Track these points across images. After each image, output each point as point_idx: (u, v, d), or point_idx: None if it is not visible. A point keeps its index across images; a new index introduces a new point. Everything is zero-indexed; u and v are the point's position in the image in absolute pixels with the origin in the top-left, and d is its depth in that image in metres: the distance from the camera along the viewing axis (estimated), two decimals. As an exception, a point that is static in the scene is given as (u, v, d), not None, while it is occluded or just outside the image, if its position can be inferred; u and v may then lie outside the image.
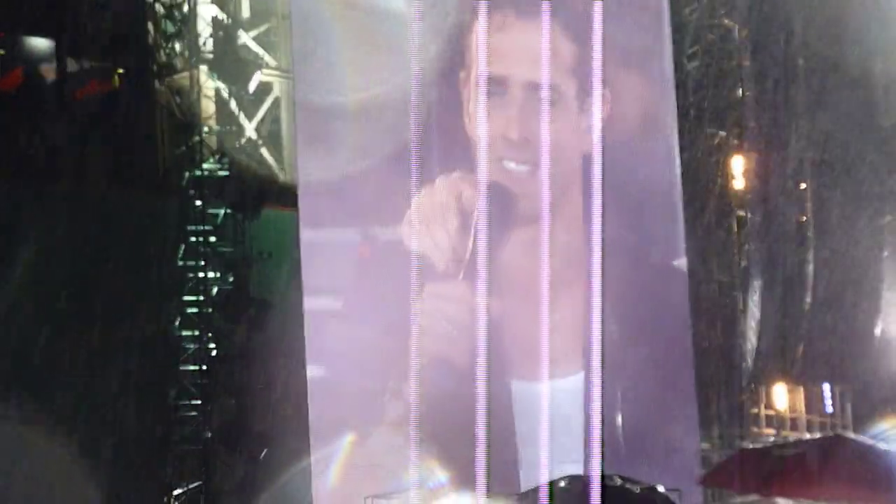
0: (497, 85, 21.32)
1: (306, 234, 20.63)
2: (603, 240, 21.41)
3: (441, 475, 20.12)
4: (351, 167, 20.99)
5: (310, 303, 20.73)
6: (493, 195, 20.66)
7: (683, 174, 22.94)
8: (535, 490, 17.14)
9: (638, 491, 16.42)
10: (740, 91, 24.44)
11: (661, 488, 16.95)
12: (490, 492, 19.78)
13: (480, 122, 20.85)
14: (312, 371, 20.68)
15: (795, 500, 21.70)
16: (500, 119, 21.26)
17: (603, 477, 16.94)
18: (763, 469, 18.04)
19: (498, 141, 21.11)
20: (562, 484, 16.61)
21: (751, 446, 22.46)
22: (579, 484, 16.48)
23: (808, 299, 25.76)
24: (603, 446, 20.94)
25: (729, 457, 20.43)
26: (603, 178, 21.33)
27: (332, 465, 20.66)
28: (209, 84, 22.35)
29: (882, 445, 17.54)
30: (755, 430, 24.62)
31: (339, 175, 20.90)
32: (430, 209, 20.60)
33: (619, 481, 16.60)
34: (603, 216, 21.13)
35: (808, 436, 23.42)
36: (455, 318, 20.39)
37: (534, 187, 21.26)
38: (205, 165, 21.89)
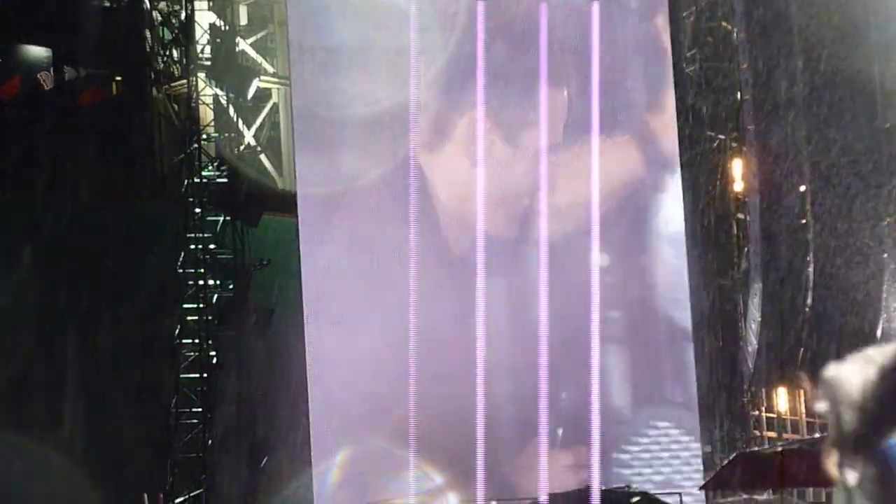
0: None
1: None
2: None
3: (437, 478, 20.14)
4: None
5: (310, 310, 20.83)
6: None
7: (683, 177, 22.95)
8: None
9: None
10: (739, 94, 24.40)
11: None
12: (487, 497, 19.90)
13: None
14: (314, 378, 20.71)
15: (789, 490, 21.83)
16: None
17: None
18: (759, 468, 18.29)
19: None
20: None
21: (749, 450, 22.42)
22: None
23: (809, 301, 25.70)
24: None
25: (729, 461, 20.43)
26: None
27: (334, 471, 20.64)
28: (207, 91, 22.32)
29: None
30: (756, 432, 24.57)
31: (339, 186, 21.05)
32: None
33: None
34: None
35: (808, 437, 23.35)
36: None
37: None
38: (203, 173, 21.84)
